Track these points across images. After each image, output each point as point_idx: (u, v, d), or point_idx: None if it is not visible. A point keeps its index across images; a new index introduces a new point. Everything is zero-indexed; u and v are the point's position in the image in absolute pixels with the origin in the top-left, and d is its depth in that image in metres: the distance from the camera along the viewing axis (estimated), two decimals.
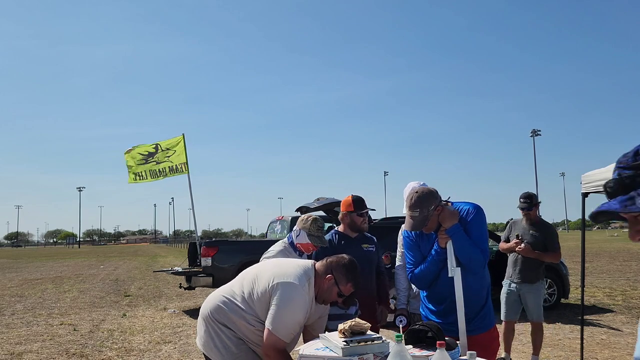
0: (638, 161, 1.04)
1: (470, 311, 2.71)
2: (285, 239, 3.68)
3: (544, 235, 5.05)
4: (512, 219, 5.53)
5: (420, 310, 2.99)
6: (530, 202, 5.09)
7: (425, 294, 2.92)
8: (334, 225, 12.11)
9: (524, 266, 5.09)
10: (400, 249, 3.68)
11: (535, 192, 5.29)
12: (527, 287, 5.08)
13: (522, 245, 4.99)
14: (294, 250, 3.64)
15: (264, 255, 3.64)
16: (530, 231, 5.08)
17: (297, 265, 2.64)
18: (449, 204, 2.80)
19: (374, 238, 3.74)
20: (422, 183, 3.67)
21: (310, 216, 3.62)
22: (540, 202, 5.19)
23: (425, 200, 2.63)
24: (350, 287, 2.64)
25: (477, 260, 2.67)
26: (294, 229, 3.65)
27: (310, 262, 2.71)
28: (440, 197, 2.71)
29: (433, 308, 2.86)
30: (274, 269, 2.62)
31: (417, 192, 2.68)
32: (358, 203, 3.59)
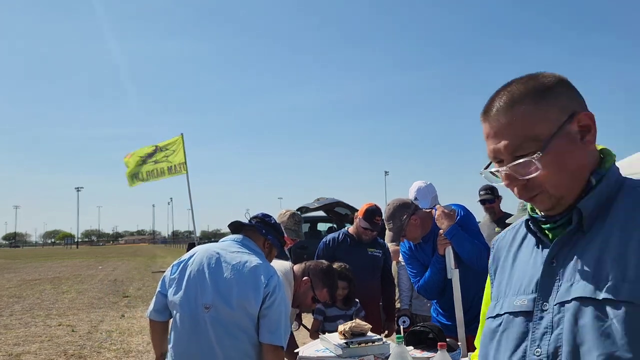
0: None
1: (473, 311, 2.70)
2: None
3: None
4: None
5: (432, 312, 3.00)
6: (492, 192, 4.27)
7: None
8: (334, 225, 12.10)
9: None
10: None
11: None
12: None
13: None
14: None
15: None
16: (496, 230, 4.28)
17: (277, 268, 2.57)
18: (433, 211, 2.79)
19: (385, 244, 3.66)
20: (428, 182, 3.64)
21: (289, 211, 3.65)
22: (501, 197, 4.39)
23: (396, 211, 2.68)
24: (326, 293, 2.63)
25: (479, 253, 2.61)
26: None
27: (288, 264, 2.70)
28: (415, 206, 2.73)
29: (442, 311, 2.86)
30: None
31: (388, 204, 2.74)
32: (368, 213, 3.51)
